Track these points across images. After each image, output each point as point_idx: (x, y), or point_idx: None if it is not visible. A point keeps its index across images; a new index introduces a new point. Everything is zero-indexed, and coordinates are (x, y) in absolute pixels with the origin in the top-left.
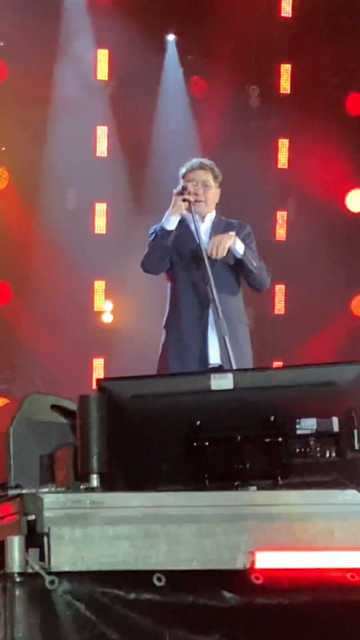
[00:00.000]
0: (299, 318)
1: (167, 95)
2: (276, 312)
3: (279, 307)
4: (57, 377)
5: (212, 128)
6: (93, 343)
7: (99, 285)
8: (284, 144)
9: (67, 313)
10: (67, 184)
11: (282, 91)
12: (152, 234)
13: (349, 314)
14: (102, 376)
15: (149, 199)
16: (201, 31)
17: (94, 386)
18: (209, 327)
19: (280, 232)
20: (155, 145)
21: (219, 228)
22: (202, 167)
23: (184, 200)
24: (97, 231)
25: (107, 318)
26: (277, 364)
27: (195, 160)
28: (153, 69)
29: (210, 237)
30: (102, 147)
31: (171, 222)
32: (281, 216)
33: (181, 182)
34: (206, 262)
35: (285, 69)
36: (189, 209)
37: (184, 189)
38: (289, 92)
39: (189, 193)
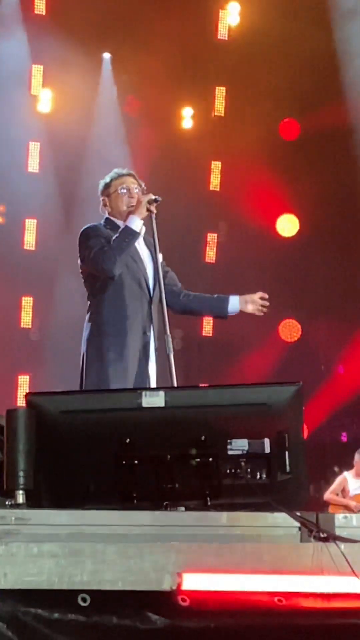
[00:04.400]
0: (227, 341)
1: (101, 113)
2: (204, 333)
3: (207, 329)
4: None
5: (145, 147)
6: (19, 359)
7: (27, 302)
8: (216, 166)
9: None
10: None
11: (216, 113)
12: (97, 239)
13: (276, 338)
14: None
15: (79, 216)
16: (137, 51)
17: (23, 400)
18: (151, 349)
19: (210, 254)
20: (88, 163)
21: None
22: (132, 175)
23: (148, 210)
24: (26, 247)
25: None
26: (203, 385)
27: (119, 169)
28: (88, 86)
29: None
30: (34, 163)
31: (138, 225)
32: (212, 238)
33: (146, 192)
34: (160, 277)
35: (220, 91)
36: (146, 217)
37: (156, 201)
38: (223, 114)
39: (155, 205)
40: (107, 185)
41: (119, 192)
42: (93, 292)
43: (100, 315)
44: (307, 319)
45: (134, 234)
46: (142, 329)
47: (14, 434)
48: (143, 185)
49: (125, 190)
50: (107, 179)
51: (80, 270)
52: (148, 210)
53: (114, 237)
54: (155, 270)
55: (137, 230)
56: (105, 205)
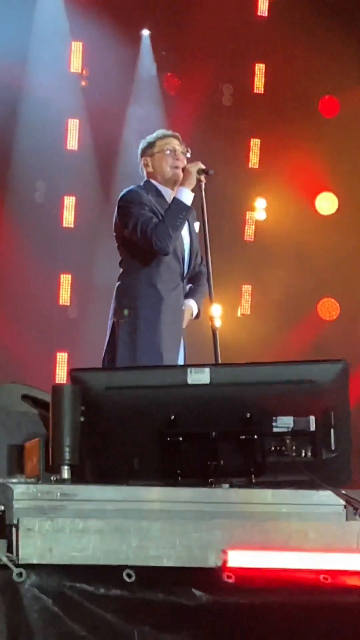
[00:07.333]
0: (265, 319)
1: (139, 90)
2: (242, 312)
3: (245, 307)
4: (20, 370)
5: (183, 125)
6: (57, 337)
7: (65, 279)
8: (255, 143)
9: (31, 306)
10: (37, 176)
11: (255, 91)
12: (140, 206)
13: (315, 317)
14: (65, 371)
15: (118, 194)
16: (176, 27)
17: (61, 377)
18: (182, 328)
19: (249, 232)
20: (126, 140)
21: None
22: (177, 137)
23: (198, 180)
24: (65, 225)
25: None
26: (249, 363)
27: (164, 130)
28: (127, 63)
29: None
30: (72, 141)
31: (189, 198)
32: (250, 216)
33: (195, 162)
34: (208, 250)
35: (260, 68)
36: (195, 189)
37: (206, 172)
38: (262, 92)
39: (205, 175)
40: (150, 145)
41: (165, 152)
42: (129, 260)
43: (134, 288)
44: (346, 298)
45: (187, 209)
46: (175, 305)
47: (59, 410)
48: (189, 150)
49: (170, 151)
50: (151, 139)
51: (115, 234)
52: (198, 180)
53: (165, 211)
54: (191, 243)
55: (189, 203)
56: (146, 165)
